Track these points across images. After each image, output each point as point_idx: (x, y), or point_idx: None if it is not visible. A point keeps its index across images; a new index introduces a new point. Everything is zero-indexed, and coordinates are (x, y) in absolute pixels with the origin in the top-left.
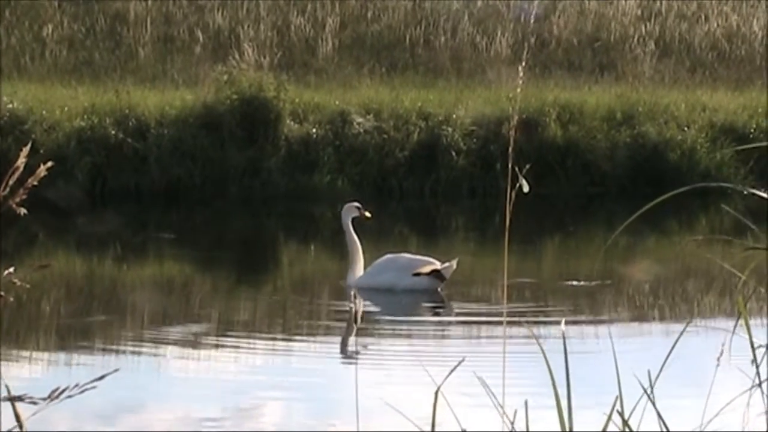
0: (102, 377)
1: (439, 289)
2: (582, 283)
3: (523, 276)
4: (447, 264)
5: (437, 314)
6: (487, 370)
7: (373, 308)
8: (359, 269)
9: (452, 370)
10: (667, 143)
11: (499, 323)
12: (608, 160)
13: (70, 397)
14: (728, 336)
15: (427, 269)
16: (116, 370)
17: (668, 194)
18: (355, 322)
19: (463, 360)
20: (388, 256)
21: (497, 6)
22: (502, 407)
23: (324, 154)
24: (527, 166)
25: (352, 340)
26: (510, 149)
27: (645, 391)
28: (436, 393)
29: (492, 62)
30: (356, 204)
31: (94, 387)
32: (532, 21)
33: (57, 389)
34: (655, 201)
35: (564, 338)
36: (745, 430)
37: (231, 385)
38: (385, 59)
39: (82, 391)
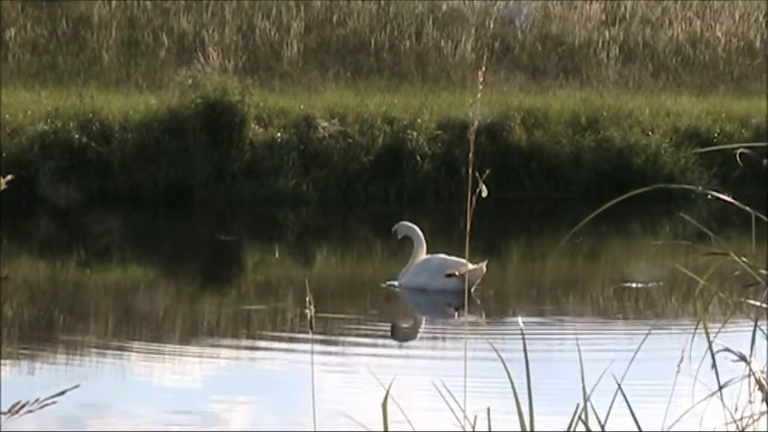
0: (62, 392)
1: (472, 290)
2: (640, 285)
3: (493, 282)
4: (476, 266)
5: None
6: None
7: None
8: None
9: (392, 381)
10: (631, 148)
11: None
12: (573, 164)
13: (30, 411)
14: (689, 340)
15: (461, 270)
16: (77, 386)
17: (627, 194)
18: (310, 328)
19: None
20: (426, 257)
21: (462, 10)
22: (464, 412)
23: (289, 158)
24: (487, 171)
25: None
26: (471, 154)
27: (622, 390)
28: (386, 396)
29: (457, 66)
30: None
31: (54, 402)
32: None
33: (18, 403)
34: (614, 201)
35: (524, 340)
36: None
37: (195, 390)
38: (350, 63)
39: (42, 407)
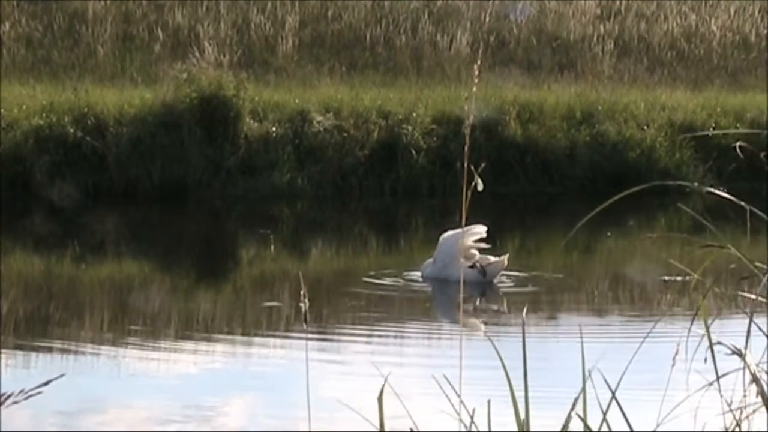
0: (47, 383)
1: (495, 281)
2: (678, 278)
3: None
4: (497, 259)
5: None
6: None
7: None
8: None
9: (388, 375)
10: (626, 142)
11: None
12: (568, 159)
13: (15, 402)
14: (687, 334)
15: (483, 261)
16: (62, 375)
17: (626, 192)
18: (305, 321)
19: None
20: (444, 235)
21: (457, 5)
22: (462, 405)
23: (284, 152)
24: (482, 165)
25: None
26: (466, 148)
27: (615, 396)
28: (382, 388)
29: (452, 61)
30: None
31: (39, 393)
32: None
33: (3, 394)
34: (614, 198)
35: (524, 335)
36: (703, 430)
37: (192, 385)
38: (345, 58)
39: (27, 397)
